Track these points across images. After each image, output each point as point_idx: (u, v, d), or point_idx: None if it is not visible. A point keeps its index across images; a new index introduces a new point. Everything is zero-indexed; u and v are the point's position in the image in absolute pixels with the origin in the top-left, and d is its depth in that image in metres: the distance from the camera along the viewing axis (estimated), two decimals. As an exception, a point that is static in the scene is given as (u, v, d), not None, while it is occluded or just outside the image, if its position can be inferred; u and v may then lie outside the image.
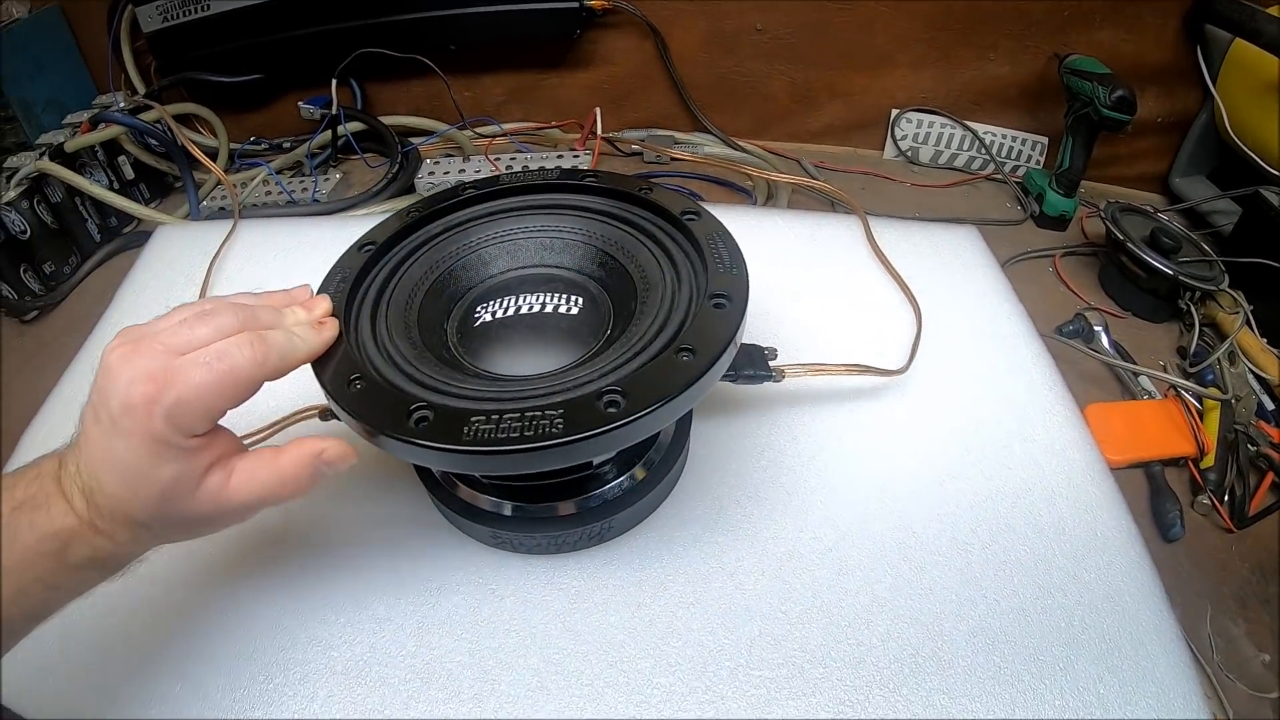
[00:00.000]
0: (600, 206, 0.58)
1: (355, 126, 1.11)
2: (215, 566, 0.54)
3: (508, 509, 0.52)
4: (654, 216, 0.55)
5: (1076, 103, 0.89)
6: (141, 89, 1.12)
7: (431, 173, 1.06)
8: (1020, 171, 1.04)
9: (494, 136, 1.11)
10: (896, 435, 0.62)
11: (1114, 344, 0.79)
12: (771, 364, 0.56)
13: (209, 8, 1.03)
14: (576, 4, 0.94)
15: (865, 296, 0.75)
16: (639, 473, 0.54)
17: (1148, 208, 0.89)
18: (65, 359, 0.74)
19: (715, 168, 0.93)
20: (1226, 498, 0.67)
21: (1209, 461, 0.69)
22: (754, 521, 0.56)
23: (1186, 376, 0.77)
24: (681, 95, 1.05)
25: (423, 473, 0.55)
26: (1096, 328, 0.80)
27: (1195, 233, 0.89)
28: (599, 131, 1.00)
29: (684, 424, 0.58)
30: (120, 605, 0.51)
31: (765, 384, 0.56)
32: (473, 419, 0.38)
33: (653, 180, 0.98)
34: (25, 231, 0.94)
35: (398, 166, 1.05)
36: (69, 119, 1.04)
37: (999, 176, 1.03)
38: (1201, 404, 0.73)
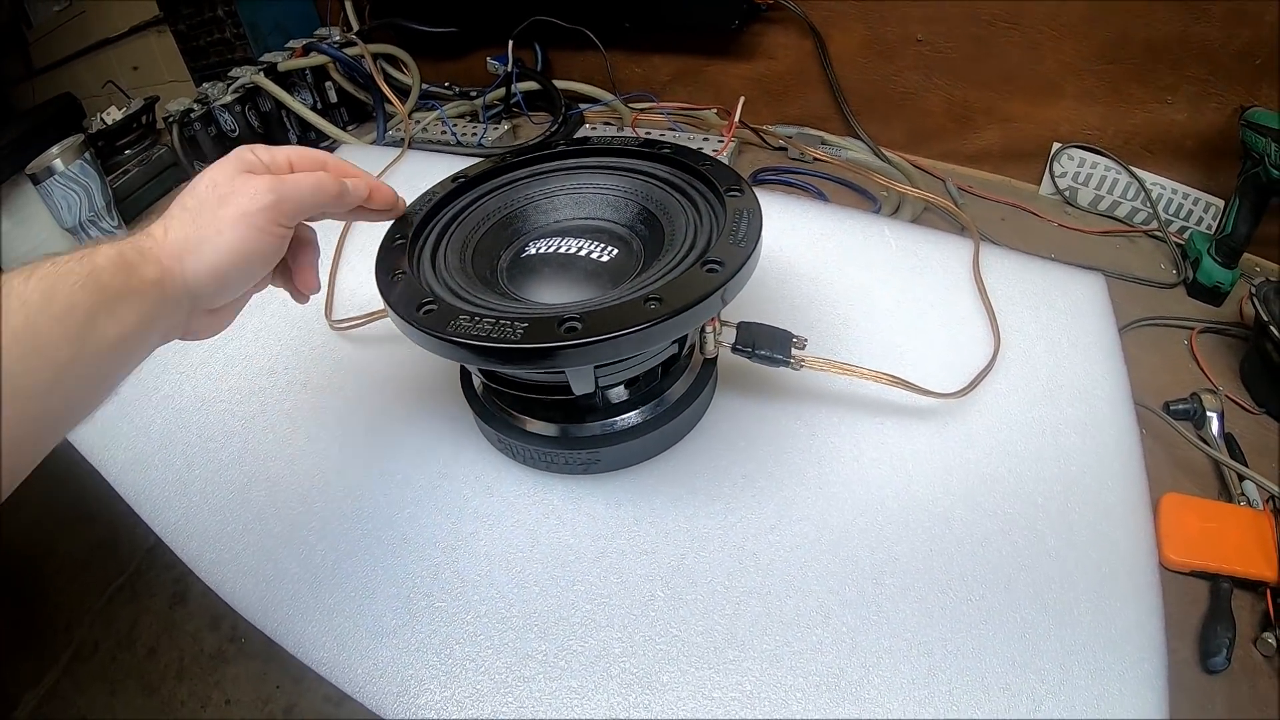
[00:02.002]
0: (666, 175, 0.61)
1: (529, 85, 1.19)
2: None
3: (522, 420, 0.58)
4: (705, 188, 0.58)
5: (1248, 161, 0.79)
6: (356, 26, 1.26)
7: (587, 136, 1.11)
8: (1186, 233, 0.94)
9: (645, 110, 1.15)
10: (921, 460, 0.61)
11: (1225, 436, 0.70)
12: (795, 352, 0.57)
13: (417, -38, 1.14)
14: (737, -5, 0.96)
15: (948, 318, 0.73)
16: (632, 419, 0.57)
17: (1317, 295, 0.78)
18: None
19: (852, 173, 0.91)
20: (1300, 645, 0.58)
21: (1292, 595, 0.60)
22: (739, 498, 0.57)
23: (1303, 497, 0.67)
24: (836, 98, 1.04)
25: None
26: (1210, 413, 0.71)
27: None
28: (737, 119, 1.01)
29: (696, 388, 0.60)
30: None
31: (791, 372, 0.57)
32: (460, 317, 0.45)
33: (769, 171, 1.00)
34: (234, 130, 1.10)
35: (557, 126, 1.12)
36: (290, 43, 1.19)
37: (1159, 234, 0.94)
38: (1309, 530, 0.64)
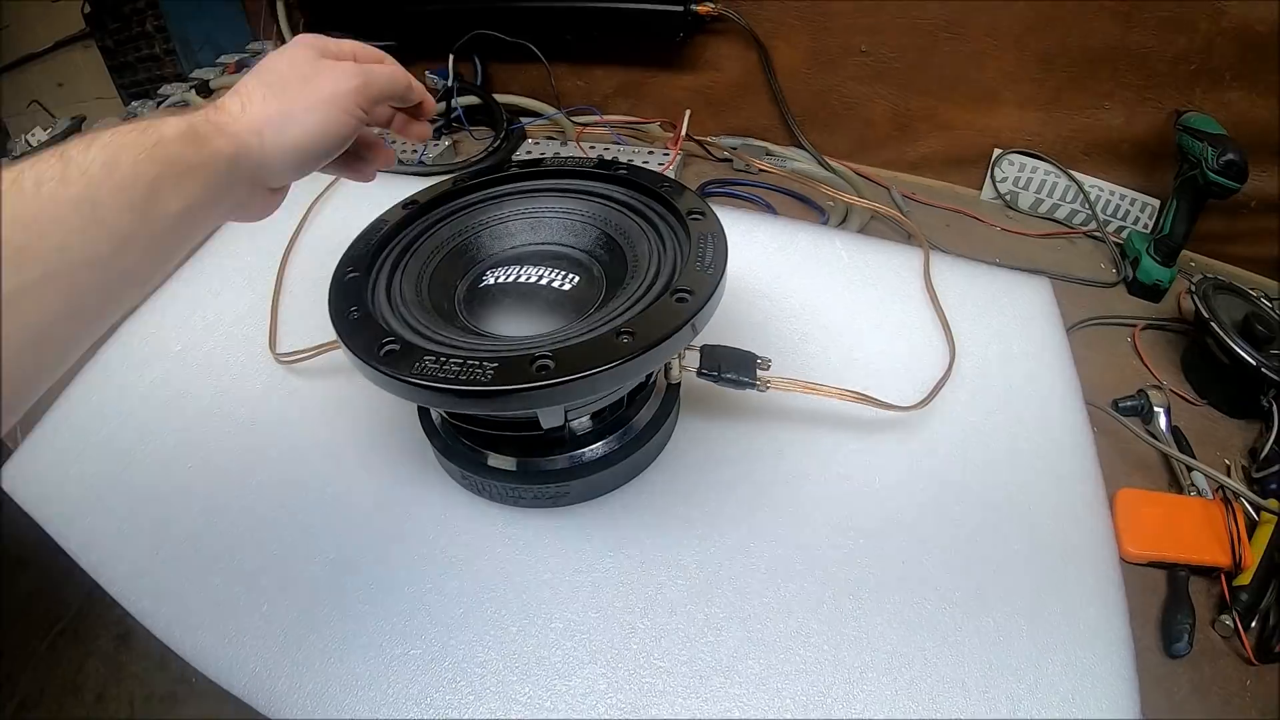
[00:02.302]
0: (624, 197, 0.61)
1: (470, 100, 1.17)
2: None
3: (487, 456, 0.57)
4: (666, 212, 0.57)
5: (1185, 164, 0.82)
6: (289, 39, 1.23)
7: (529, 152, 1.10)
8: (1124, 233, 0.97)
9: (589, 125, 1.14)
10: (888, 474, 0.61)
11: (1173, 430, 0.73)
12: (761, 373, 0.57)
13: (351, -27, 1.11)
14: (681, 8, 0.96)
15: (903, 329, 0.74)
16: (599, 450, 0.56)
17: (1252, 290, 0.81)
18: (183, 263, 0.85)
19: (797, 184, 0.92)
20: (1255, 624, 0.60)
21: (1245, 579, 0.61)
22: (711, 523, 0.57)
23: (1249, 482, 0.70)
24: (780, 108, 1.05)
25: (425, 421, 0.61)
26: (1157, 408, 0.73)
27: (1303, 329, 0.80)
28: (683, 132, 1.01)
29: (662, 414, 0.59)
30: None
31: (756, 393, 0.57)
32: (425, 358, 0.43)
33: (715, 184, 1.00)
34: None
35: (499, 141, 1.11)
36: (222, 59, 1.15)
37: (1099, 234, 0.96)
38: (1258, 516, 0.66)
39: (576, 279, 0.55)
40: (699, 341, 0.56)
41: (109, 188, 0.34)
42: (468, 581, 0.53)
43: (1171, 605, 0.61)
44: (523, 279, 0.55)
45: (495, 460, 0.56)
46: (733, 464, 0.60)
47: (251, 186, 0.44)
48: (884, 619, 0.52)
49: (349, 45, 0.50)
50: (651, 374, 0.58)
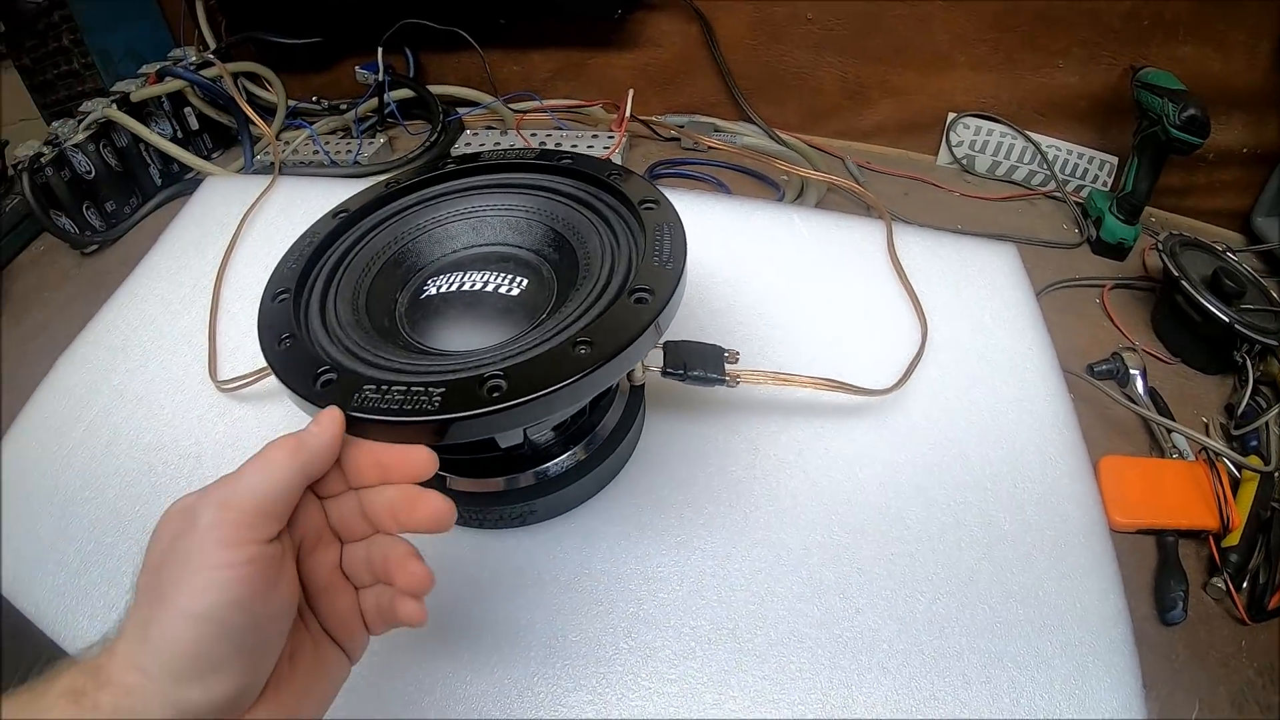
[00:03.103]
0: (570, 189, 0.57)
1: (403, 94, 1.12)
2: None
3: (445, 479, 0.53)
4: (616, 203, 0.53)
5: (1145, 120, 0.81)
6: (213, 44, 1.16)
7: (468, 144, 1.05)
8: (1084, 191, 0.96)
9: (529, 112, 1.09)
10: (868, 462, 0.59)
11: (1150, 391, 0.71)
12: (730, 368, 0.53)
13: (271, -32, 1.05)
14: (618, -19, 0.92)
15: (871, 308, 0.71)
16: (565, 463, 0.53)
17: (1217, 245, 0.80)
18: (115, 290, 0.80)
19: (750, 159, 0.89)
20: (1246, 584, 0.58)
21: (1233, 539, 0.60)
22: (688, 529, 0.54)
23: (1228, 439, 0.69)
24: (726, 82, 1.01)
25: None
26: (1133, 371, 0.72)
27: (1269, 279, 0.79)
28: (627, 114, 0.97)
29: (627, 418, 0.56)
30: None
31: (721, 388, 0.54)
32: (365, 387, 0.39)
33: (665, 165, 0.97)
34: (90, 172, 0.98)
35: (437, 135, 1.05)
36: (144, 69, 1.08)
37: (1059, 195, 0.95)
38: (1240, 473, 0.65)
39: (525, 282, 0.51)
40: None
41: None
42: (438, 616, 0.49)
43: (1163, 573, 0.60)
44: (467, 286, 0.51)
45: (456, 484, 0.52)
46: (705, 464, 0.57)
47: None
48: (877, 616, 0.49)
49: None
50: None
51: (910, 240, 0.77)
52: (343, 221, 0.57)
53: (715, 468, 0.57)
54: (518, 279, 0.51)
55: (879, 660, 0.47)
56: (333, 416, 0.36)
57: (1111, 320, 0.80)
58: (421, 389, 0.38)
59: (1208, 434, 0.70)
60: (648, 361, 0.53)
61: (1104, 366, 0.73)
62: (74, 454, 0.64)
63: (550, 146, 0.99)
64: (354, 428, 0.37)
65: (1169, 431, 0.68)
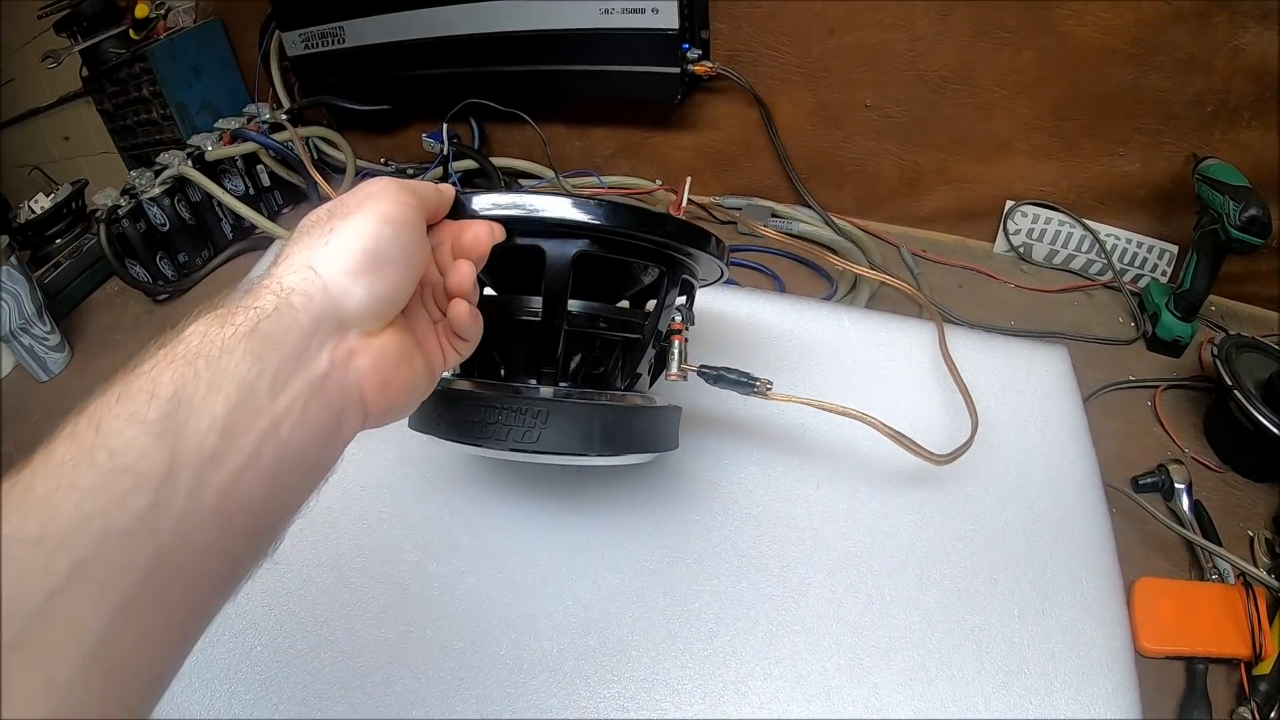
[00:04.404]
0: None
1: (467, 164, 1.17)
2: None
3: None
4: None
5: (1205, 216, 0.79)
6: (286, 103, 1.23)
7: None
8: (1142, 282, 0.94)
9: (589, 191, 1.13)
10: (893, 583, 0.60)
11: (1194, 506, 0.71)
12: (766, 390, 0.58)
13: (344, 41, 1.11)
14: (678, 69, 0.94)
15: (920, 406, 0.72)
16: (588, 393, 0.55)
17: (1278, 345, 0.78)
18: None
19: (804, 250, 0.91)
20: (1274, 715, 0.58)
21: (1264, 668, 0.60)
22: (717, 569, 0.58)
23: (1273, 555, 0.68)
24: (784, 166, 1.03)
25: None
26: (1179, 485, 0.71)
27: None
28: (684, 200, 0.99)
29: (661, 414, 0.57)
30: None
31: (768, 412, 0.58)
32: None
33: (738, 252, 0.99)
34: (165, 224, 1.06)
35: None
36: (219, 124, 1.15)
37: (1116, 285, 0.94)
38: (1280, 600, 0.65)
39: None
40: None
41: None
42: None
43: (1189, 700, 0.60)
44: None
45: (461, 384, 0.54)
46: (744, 506, 0.61)
47: (342, 335, 0.35)
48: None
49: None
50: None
51: (960, 340, 0.78)
52: None
53: (754, 513, 0.62)
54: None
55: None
56: (451, 189, 0.45)
57: (1162, 425, 0.79)
58: None
59: (1252, 548, 0.69)
60: (686, 363, 0.57)
61: (1149, 480, 0.72)
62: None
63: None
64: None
65: (1210, 553, 0.68)
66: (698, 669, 0.54)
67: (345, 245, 0.36)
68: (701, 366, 0.58)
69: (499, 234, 0.46)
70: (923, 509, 0.64)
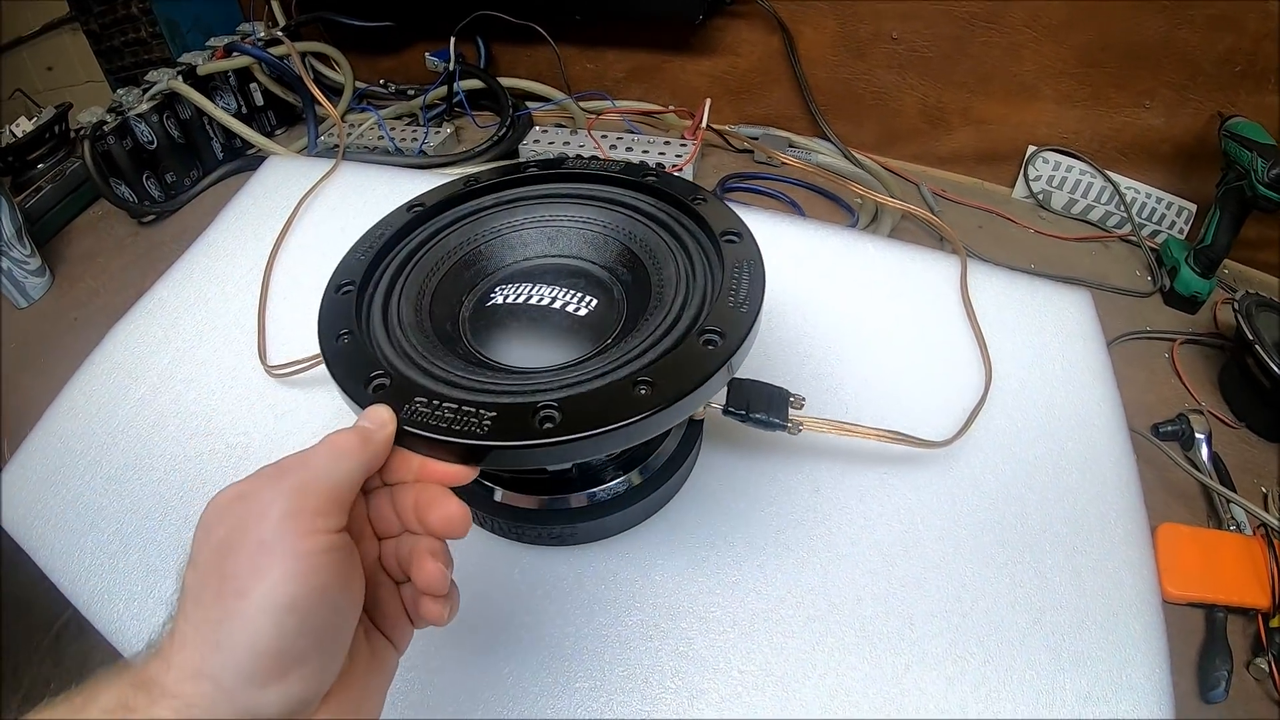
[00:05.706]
0: (651, 209, 0.55)
1: (473, 84, 1.11)
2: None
3: (493, 491, 0.53)
4: (698, 229, 0.52)
5: (1231, 173, 0.78)
6: (282, 21, 1.16)
7: (538, 140, 1.04)
8: (1159, 237, 0.93)
9: (601, 113, 1.09)
10: (927, 513, 0.57)
11: (1213, 457, 0.70)
12: (793, 414, 0.53)
13: (346, -49, 1.05)
14: (702, -13, 0.90)
15: (940, 349, 0.69)
16: (615, 488, 0.53)
17: (1296, 305, 0.78)
18: (171, 263, 0.81)
19: (824, 179, 0.88)
20: (1290, 666, 0.57)
21: (1281, 621, 0.60)
22: (742, 569, 0.53)
23: (1290, 513, 0.67)
24: (804, 97, 0.99)
25: None
26: (1199, 435, 0.70)
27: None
28: (703, 124, 0.95)
29: (682, 451, 0.55)
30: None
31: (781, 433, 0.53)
32: (416, 399, 0.38)
33: (737, 179, 0.96)
34: (152, 142, 1.00)
35: (505, 130, 1.05)
36: (211, 42, 1.09)
37: (1134, 239, 0.93)
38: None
39: (594, 302, 0.50)
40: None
41: None
42: (478, 621, 0.50)
43: (1209, 649, 0.59)
44: (534, 300, 0.50)
45: (503, 496, 0.52)
46: (764, 502, 0.57)
47: None
48: (925, 675, 0.48)
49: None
50: None
51: (983, 279, 0.75)
52: (417, 216, 0.56)
53: (775, 508, 0.56)
54: (587, 298, 0.50)
55: (927, 722, 0.46)
56: (390, 415, 0.36)
57: (1180, 377, 0.78)
58: (473, 410, 0.37)
59: (1266, 504, 0.69)
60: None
61: (1169, 428, 0.71)
62: (120, 434, 0.65)
63: (622, 150, 0.98)
64: (401, 439, 0.36)
65: (1228, 502, 0.67)
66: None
67: (242, 647, 0.28)
68: (726, 408, 0.51)
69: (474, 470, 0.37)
70: (950, 456, 0.61)
